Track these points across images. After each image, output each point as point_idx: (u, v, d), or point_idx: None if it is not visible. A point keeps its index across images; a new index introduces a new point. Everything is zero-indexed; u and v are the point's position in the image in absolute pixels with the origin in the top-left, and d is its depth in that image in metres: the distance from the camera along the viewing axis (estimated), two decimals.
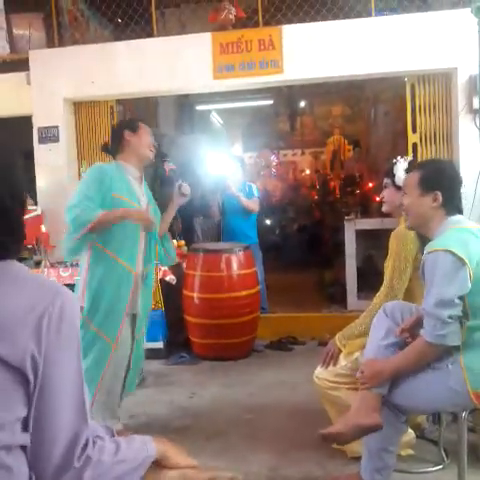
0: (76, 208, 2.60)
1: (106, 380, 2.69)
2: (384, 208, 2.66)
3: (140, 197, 2.85)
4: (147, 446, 1.09)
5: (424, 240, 2.34)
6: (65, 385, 0.97)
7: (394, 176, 2.52)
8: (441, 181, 2.04)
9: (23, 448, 0.97)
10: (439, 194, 2.00)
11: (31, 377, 0.93)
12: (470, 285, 1.83)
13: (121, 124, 3.12)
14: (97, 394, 2.64)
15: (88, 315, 2.65)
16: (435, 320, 1.85)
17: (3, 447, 0.92)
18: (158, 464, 1.11)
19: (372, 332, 2.14)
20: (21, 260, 4.84)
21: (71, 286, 4.37)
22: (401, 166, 2.50)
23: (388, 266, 2.48)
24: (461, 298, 1.85)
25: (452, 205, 2.02)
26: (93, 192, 2.63)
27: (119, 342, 2.71)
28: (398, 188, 2.51)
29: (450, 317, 1.83)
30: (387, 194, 2.60)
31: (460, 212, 2.04)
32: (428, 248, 1.94)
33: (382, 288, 2.49)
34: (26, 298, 0.96)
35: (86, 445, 0.98)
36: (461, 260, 1.83)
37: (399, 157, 2.57)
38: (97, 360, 2.64)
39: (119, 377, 2.78)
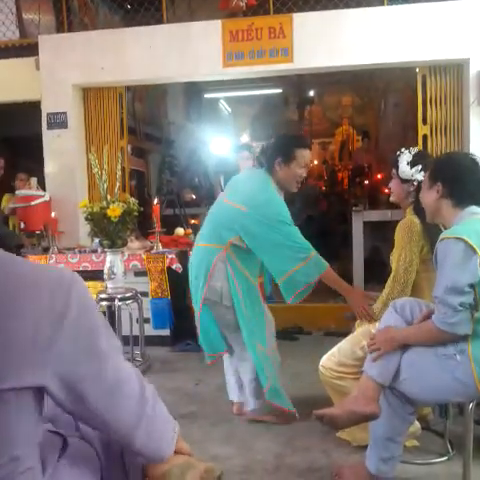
0: (301, 244, 2.68)
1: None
2: (392, 198, 2.66)
3: None
4: (176, 426, 1.14)
5: (432, 232, 2.34)
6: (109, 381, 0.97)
7: (398, 167, 2.52)
8: (444, 172, 2.04)
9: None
10: (440, 185, 2.02)
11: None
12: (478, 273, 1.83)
13: (278, 147, 2.87)
14: None
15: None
16: (446, 307, 1.84)
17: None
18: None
19: (381, 323, 2.14)
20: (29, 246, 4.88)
21: (79, 272, 4.43)
22: (405, 158, 2.50)
23: (395, 258, 2.48)
24: (472, 287, 1.84)
25: (460, 195, 2.01)
26: (284, 207, 2.73)
27: None
28: (402, 180, 2.51)
29: (461, 305, 1.82)
30: (393, 185, 2.60)
31: (476, 203, 2.02)
32: (441, 236, 1.93)
33: (389, 282, 2.48)
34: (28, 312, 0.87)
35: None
36: (472, 248, 1.83)
37: (404, 149, 2.56)
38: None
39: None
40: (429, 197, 2.08)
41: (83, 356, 0.92)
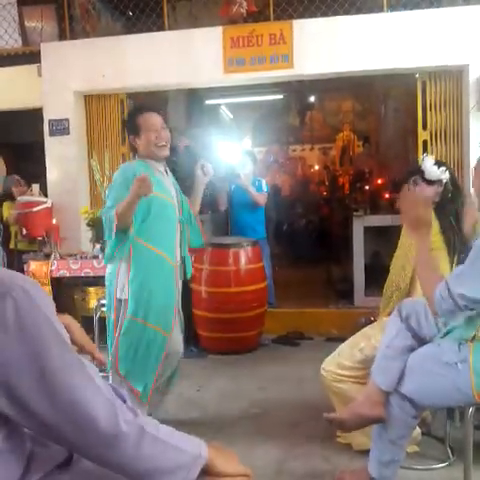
0: (106, 213, 2.61)
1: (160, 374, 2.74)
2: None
3: (171, 189, 2.83)
4: (201, 447, 1.03)
5: (448, 233, 2.37)
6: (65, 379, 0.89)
7: (423, 172, 2.53)
8: None
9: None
10: None
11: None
12: None
13: (125, 127, 2.97)
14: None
15: (137, 311, 2.65)
16: (452, 300, 1.78)
17: None
18: (205, 472, 1.02)
19: (386, 329, 2.15)
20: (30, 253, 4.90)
21: (80, 278, 4.44)
22: (429, 161, 2.53)
23: (398, 256, 2.52)
24: None
25: None
26: (122, 194, 2.58)
27: (172, 336, 2.75)
28: (429, 182, 2.52)
29: (465, 307, 1.81)
30: (419, 191, 2.59)
31: None
32: None
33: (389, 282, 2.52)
34: None
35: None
36: None
37: (424, 154, 2.60)
38: (155, 354, 2.68)
39: (166, 373, 2.83)
40: None
41: (23, 371, 0.85)
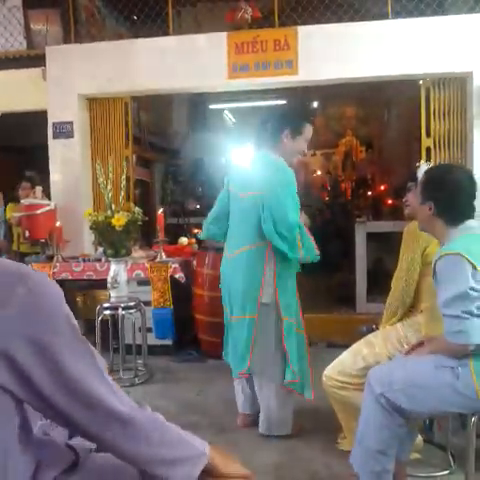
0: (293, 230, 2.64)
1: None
2: (407, 211, 2.64)
3: None
4: (205, 445, 1.04)
5: None
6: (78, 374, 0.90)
7: (417, 180, 2.53)
8: (437, 191, 2.03)
9: None
10: (432, 205, 2.03)
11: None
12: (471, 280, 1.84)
13: (287, 119, 2.83)
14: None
15: (288, 313, 2.79)
16: (450, 318, 1.85)
17: None
18: (206, 472, 1.03)
19: (362, 415, 2.07)
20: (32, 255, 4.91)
21: (82, 281, 4.44)
22: (424, 169, 2.52)
23: (400, 269, 2.51)
24: (473, 289, 1.83)
25: (452, 215, 2.01)
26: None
27: None
28: None
29: (465, 312, 1.82)
30: (411, 197, 2.59)
31: (468, 218, 2.02)
32: (439, 253, 1.95)
33: (393, 280, 2.52)
34: None
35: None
36: (470, 263, 1.85)
37: (423, 161, 2.59)
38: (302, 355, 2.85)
39: None
40: (422, 213, 2.09)
41: (35, 354, 0.86)
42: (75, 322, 0.93)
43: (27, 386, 0.87)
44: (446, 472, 2.42)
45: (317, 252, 2.75)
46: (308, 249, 2.70)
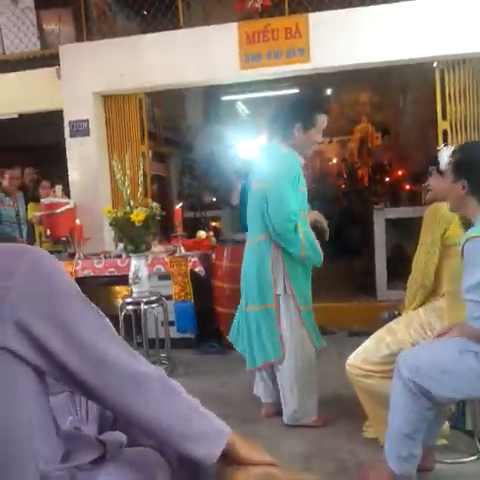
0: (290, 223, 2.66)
1: None
2: (428, 196, 2.63)
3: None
4: (225, 426, 1.05)
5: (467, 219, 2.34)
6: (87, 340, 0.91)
7: (439, 163, 2.51)
8: (470, 169, 2.03)
9: None
10: (465, 182, 2.01)
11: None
12: None
13: (298, 112, 2.81)
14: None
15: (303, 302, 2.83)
16: (472, 303, 1.85)
17: None
18: (229, 458, 1.01)
19: (392, 399, 2.09)
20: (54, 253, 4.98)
21: (104, 277, 4.49)
22: (445, 153, 2.49)
23: (419, 253, 2.49)
24: None
25: None
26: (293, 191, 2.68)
27: None
28: (443, 174, 2.50)
29: None
30: (433, 181, 2.57)
31: None
32: (469, 235, 1.93)
33: (413, 262, 2.51)
34: None
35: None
36: None
37: (443, 144, 2.56)
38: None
39: None
40: (454, 191, 2.07)
41: (45, 319, 0.87)
42: (79, 289, 0.95)
43: (43, 354, 0.88)
44: (474, 458, 2.41)
45: (321, 259, 2.84)
46: (312, 250, 2.77)
